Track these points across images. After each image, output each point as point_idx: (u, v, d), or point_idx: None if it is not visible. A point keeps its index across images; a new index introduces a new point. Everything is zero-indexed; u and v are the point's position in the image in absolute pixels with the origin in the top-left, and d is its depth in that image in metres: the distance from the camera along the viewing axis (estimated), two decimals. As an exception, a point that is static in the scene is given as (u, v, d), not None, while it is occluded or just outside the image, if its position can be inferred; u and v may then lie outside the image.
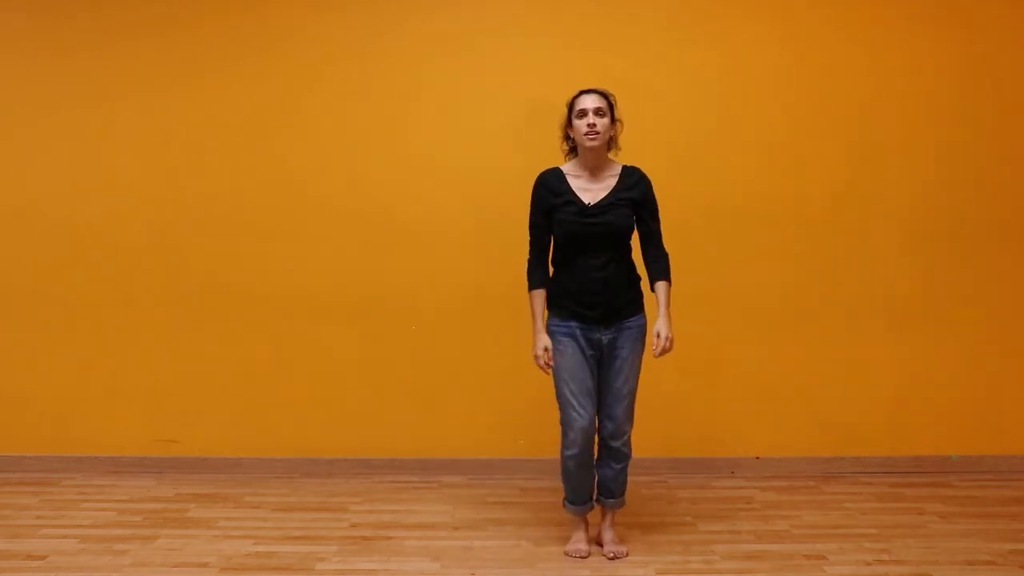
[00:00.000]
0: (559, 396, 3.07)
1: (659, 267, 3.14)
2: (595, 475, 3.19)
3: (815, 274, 4.04)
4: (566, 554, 3.15)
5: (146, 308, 4.05)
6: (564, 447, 3.09)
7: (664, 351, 3.06)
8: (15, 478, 4.02)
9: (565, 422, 3.07)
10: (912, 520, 3.51)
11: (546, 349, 3.07)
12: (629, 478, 3.98)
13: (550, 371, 3.08)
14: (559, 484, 3.92)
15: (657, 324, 3.07)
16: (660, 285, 3.12)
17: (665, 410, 4.06)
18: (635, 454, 4.05)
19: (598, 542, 3.23)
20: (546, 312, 3.13)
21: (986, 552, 3.18)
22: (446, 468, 4.05)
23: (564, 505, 3.22)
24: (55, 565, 3.07)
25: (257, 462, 4.09)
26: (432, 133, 4.01)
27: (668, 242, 3.96)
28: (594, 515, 3.27)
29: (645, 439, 4.06)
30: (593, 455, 3.14)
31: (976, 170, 4.04)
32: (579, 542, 3.18)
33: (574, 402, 3.03)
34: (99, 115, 4.02)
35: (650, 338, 3.09)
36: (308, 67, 4.00)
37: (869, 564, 3.08)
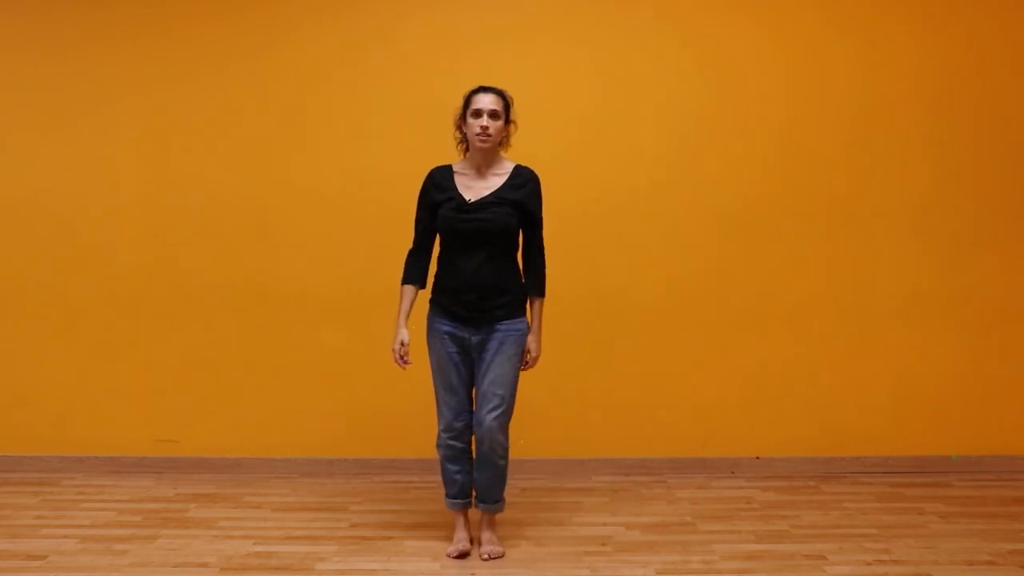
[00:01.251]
0: (435, 389, 3.16)
1: (535, 279, 3.14)
2: (470, 472, 3.21)
3: (815, 274, 4.04)
4: (447, 555, 3.15)
5: (146, 308, 4.05)
6: (437, 438, 3.17)
7: (530, 367, 3.13)
8: (15, 478, 4.02)
9: (436, 413, 3.16)
10: (912, 520, 3.51)
11: (403, 343, 3.13)
12: (629, 479, 4.00)
13: (404, 366, 3.16)
14: (559, 484, 3.93)
15: (528, 339, 3.10)
16: (535, 301, 3.14)
17: (665, 410, 4.07)
18: (635, 454, 4.07)
19: (479, 542, 3.22)
20: (427, 308, 3.18)
21: (986, 552, 3.18)
22: (446, 468, 4.05)
23: (444, 501, 3.26)
24: (55, 565, 3.07)
25: (257, 462, 4.10)
26: (433, 133, 4.00)
27: (668, 242, 4.01)
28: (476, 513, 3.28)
29: (645, 439, 4.09)
30: (465, 451, 3.19)
31: (976, 169, 4.04)
32: (460, 542, 3.18)
33: (443, 395, 3.13)
34: (99, 115, 4.02)
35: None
36: (309, 67, 4.00)
37: (869, 564, 3.08)
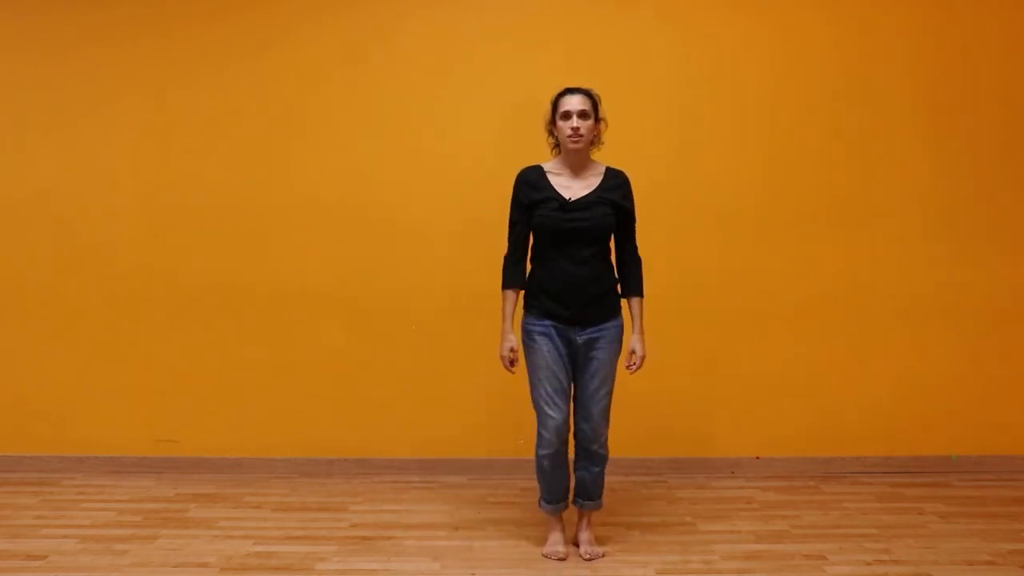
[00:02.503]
0: (534, 395, 3.08)
1: (634, 279, 3.14)
2: (570, 474, 3.19)
3: (815, 274, 4.04)
4: (544, 556, 3.14)
5: (146, 308, 4.05)
6: (539, 447, 3.08)
7: (638, 368, 3.11)
8: (15, 478, 4.02)
9: (540, 422, 3.06)
10: (912, 520, 3.51)
11: (512, 349, 3.10)
12: (629, 479, 4.00)
13: (514, 371, 3.11)
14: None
15: (632, 341, 3.11)
16: (635, 300, 3.14)
17: (665, 410, 4.07)
18: (635, 454, 4.07)
19: (575, 543, 3.23)
20: (520, 312, 3.14)
21: (986, 552, 3.18)
22: (446, 468, 4.05)
23: (539, 505, 3.22)
24: (55, 565, 3.07)
25: (257, 462, 4.10)
26: (433, 134, 4.01)
27: (668, 242, 4.01)
28: (570, 515, 3.26)
29: (645, 439, 4.09)
30: (567, 454, 3.13)
31: (976, 169, 4.04)
32: (556, 544, 3.17)
33: (550, 401, 3.03)
34: (99, 115, 4.02)
35: (625, 351, 3.13)
36: (309, 67, 4.00)
37: (869, 564, 3.08)
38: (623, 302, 3.17)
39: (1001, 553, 3.17)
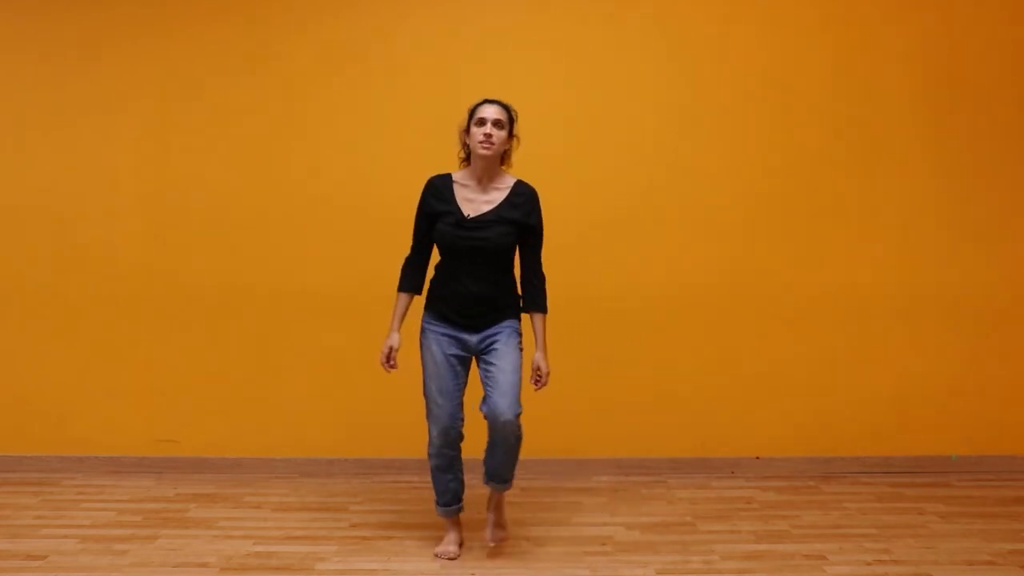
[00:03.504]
0: (424, 393, 3.10)
1: (536, 294, 3.08)
2: (462, 479, 3.20)
3: (815, 274, 4.05)
4: (436, 555, 3.15)
5: (146, 308, 4.05)
6: (428, 446, 3.11)
7: (543, 385, 3.06)
8: (15, 478, 4.02)
9: (428, 419, 3.09)
10: (912, 520, 3.51)
11: (392, 348, 3.10)
12: (629, 479, 4.00)
13: (389, 370, 3.11)
14: (559, 484, 3.93)
15: (536, 357, 3.05)
16: (537, 317, 3.08)
17: (665, 410, 4.07)
18: (635, 454, 4.07)
19: (491, 525, 3.20)
20: (419, 311, 3.15)
21: (986, 552, 3.18)
22: (446, 468, 4.05)
23: (436, 508, 3.23)
24: (55, 565, 3.08)
25: (257, 462, 4.10)
26: (432, 133, 4.00)
27: (668, 243, 4.01)
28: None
29: (645, 439, 4.09)
30: (458, 458, 3.15)
31: (976, 168, 4.04)
32: (450, 543, 3.18)
33: (437, 400, 3.06)
34: (99, 115, 4.02)
35: (527, 365, 3.08)
36: (309, 67, 4.00)
37: (869, 564, 3.08)
38: (525, 316, 3.12)
39: (1001, 553, 3.18)
